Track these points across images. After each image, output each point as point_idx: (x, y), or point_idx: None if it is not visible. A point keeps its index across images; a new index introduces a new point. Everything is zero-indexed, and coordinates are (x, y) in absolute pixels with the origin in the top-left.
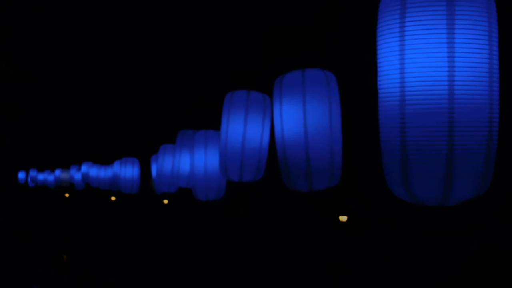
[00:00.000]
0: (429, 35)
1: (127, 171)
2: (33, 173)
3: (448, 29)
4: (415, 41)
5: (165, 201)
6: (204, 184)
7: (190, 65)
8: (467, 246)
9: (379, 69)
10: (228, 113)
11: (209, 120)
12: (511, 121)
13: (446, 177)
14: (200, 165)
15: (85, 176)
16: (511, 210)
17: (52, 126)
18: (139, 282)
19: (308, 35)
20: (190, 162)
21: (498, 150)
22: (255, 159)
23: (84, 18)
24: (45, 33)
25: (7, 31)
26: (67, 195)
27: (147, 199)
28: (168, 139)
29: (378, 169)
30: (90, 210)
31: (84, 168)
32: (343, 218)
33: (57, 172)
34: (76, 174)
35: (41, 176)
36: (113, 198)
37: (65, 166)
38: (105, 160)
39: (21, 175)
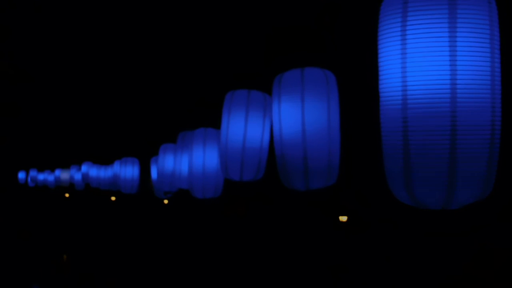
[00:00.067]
0: (431, 38)
1: (127, 171)
2: (33, 173)
3: (450, 32)
4: (417, 44)
5: (165, 201)
6: (202, 182)
7: (190, 65)
8: (467, 246)
9: (380, 72)
10: (229, 112)
11: (209, 120)
12: None
13: (449, 181)
14: (198, 162)
15: (85, 176)
16: (511, 210)
17: (52, 126)
18: (139, 282)
19: (308, 35)
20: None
21: (502, 149)
22: (256, 158)
23: (84, 18)
24: (45, 33)
25: (7, 31)
26: (67, 195)
27: (147, 199)
28: (168, 139)
29: (379, 169)
30: (90, 210)
31: (84, 168)
32: (343, 218)
33: (57, 172)
34: (76, 174)
35: (41, 176)
36: (113, 198)
37: (65, 166)
38: (105, 160)
39: (21, 175)
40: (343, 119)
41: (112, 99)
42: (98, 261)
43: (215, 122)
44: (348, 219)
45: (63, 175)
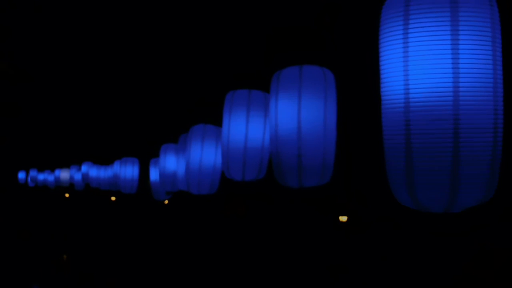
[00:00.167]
0: (433, 41)
1: (127, 171)
2: (33, 173)
3: (452, 35)
4: (419, 47)
5: (165, 201)
6: (198, 177)
7: (190, 65)
8: (467, 246)
9: (382, 75)
10: (230, 113)
11: (209, 120)
12: None
13: (452, 184)
14: (196, 158)
15: (85, 176)
16: (511, 210)
17: (52, 126)
18: (139, 282)
19: (308, 35)
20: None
21: (503, 152)
22: (257, 158)
23: (84, 18)
24: (45, 33)
25: (7, 31)
26: (67, 195)
27: (147, 199)
28: (168, 139)
29: (379, 169)
30: (90, 210)
31: (84, 168)
32: (343, 218)
33: (57, 172)
34: (76, 174)
35: (41, 176)
36: (113, 198)
37: (65, 166)
38: (105, 160)
39: (21, 175)
40: (343, 119)
41: (112, 99)
42: (98, 261)
43: (215, 122)
44: (348, 219)
45: (63, 174)
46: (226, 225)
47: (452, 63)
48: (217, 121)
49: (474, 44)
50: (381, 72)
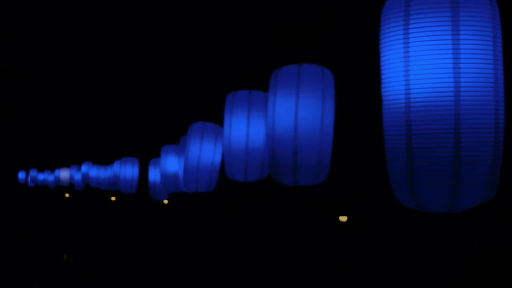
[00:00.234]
0: (434, 40)
1: (127, 171)
2: (33, 173)
3: (453, 35)
4: (419, 47)
5: (165, 201)
6: (196, 174)
7: (191, 65)
8: (467, 246)
9: (383, 75)
10: (230, 114)
11: (209, 119)
12: None
13: (453, 184)
14: (194, 155)
15: (85, 176)
16: (511, 210)
17: (52, 126)
18: (139, 282)
19: (308, 35)
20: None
21: (504, 152)
22: (259, 158)
23: (84, 18)
24: (45, 33)
25: (7, 31)
26: (67, 195)
27: (147, 199)
28: (168, 139)
29: (379, 169)
30: (90, 210)
31: (84, 168)
32: (343, 218)
33: (57, 172)
34: (76, 174)
35: (41, 176)
36: (113, 198)
37: (65, 166)
38: (105, 160)
39: (21, 175)
40: (343, 119)
41: (112, 99)
42: (98, 261)
43: (215, 122)
44: (348, 219)
45: (63, 174)
46: (226, 225)
47: (453, 63)
48: (217, 121)
49: (475, 44)
50: (382, 72)
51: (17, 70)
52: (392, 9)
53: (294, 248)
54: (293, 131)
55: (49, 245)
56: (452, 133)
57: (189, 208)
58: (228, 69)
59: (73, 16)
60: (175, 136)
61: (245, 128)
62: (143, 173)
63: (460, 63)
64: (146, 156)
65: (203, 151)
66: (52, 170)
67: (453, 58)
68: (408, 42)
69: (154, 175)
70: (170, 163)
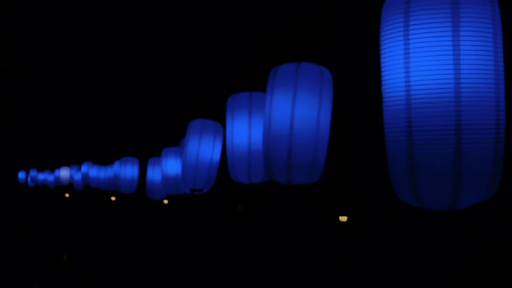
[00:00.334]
0: (434, 37)
1: (127, 171)
2: (33, 173)
3: (453, 32)
4: (420, 44)
5: (165, 201)
6: (194, 172)
7: (191, 65)
8: (467, 246)
9: (383, 73)
10: (232, 117)
11: (210, 118)
12: None
13: (455, 181)
14: (193, 152)
15: (85, 176)
16: (511, 210)
17: (52, 126)
18: (139, 282)
19: (308, 34)
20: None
21: (504, 153)
22: (262, 160)
23: (84, 18)
24: (45, 33)
25: (7, 31)
26: (67, 195)
27: (147, 199)
28: (168, 138)
29: (379, 169)
30: (90, 210)
31: (84, 168)
32: (343, 218)
33: (57, 172)
34: (76, 174)
35: (41, 176)
36: (113, 198)
37: (65, 165)
38: (105, 160)
39: (21, 175)
40: (343, 118)
41: (112, 99)
42: (98, 261)
43: (215, 121)
44: (348, 219)
45: (63, 172)
46: (226, 225)
47: (453, 59)
48: (217, 121)
49: (475, 40)
50: (382, 68)
51: (17, 70)
52: (392, 6)
53: (294, 248)
54: (289, 129)
55: (49, 245)
56: (453, 129)
57: (189, 208)
58: (228, 69)
59: (73, 16)
60: (175, 137)
61: (247, 130)
62: (143, 173)
63: (460, 59)
64: (146, 156)
65: (201, 148)
66: (52, 170)
67: (453, 54)
68: (409, 38)
69: (152, 173)
70: (171, 165)
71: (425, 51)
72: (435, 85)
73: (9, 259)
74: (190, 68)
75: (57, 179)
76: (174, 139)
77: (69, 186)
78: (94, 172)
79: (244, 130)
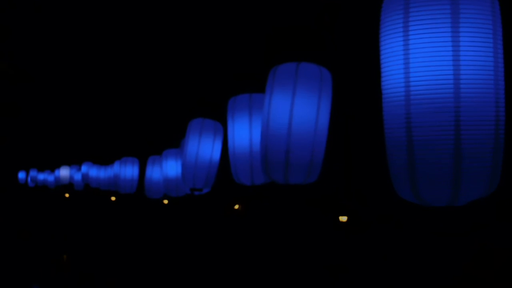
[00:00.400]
0: (434, 33)
1: (126, 171)
2: (33, 173)
3: (452, 28)
4: (419, 40)
5: (165, 201)
6: (193, 171)
7: (191, 65)
8: (467, 246)
9: (382, 69)
10: (233, 119)
11: (210, 117)
12: None
13: (454, 177)
14: (192, 152)
15: (85, 176)
16: (511, 210)
17: (52, 126)
18: (139, 282)
19: (308, 35)
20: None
21: (504, 149)
22: None
23: (84, 18)
24: (45, 33)
25: (7, 31)
26: (67, 195)
27: (145, 197)
28: (168, 138)
29: (379, 169)
30: (90, 210)
31: (84, 168)
32: (343, 218)
33: (57, 172)
34: (76, 174)
35: (41, 176)
36: (113, 198)
37: (65, 164)
38: (105, 160)
39: (21, 175)
40: (343, 118)
41: (112, 99)
42: (98, 261)
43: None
44: (348, 219)
45: (63, 171)
46: (226, 225)
47: (453, 56)
48: (218, 121)
49: (475, 37)
50: (382, 65)
51: (17, 70)
52: (393, 1)
53: (294, 248)
54: (287, 128)
55: (49, 245)
56: (452, 125)
57: (189, 208)
58: (228, 69)
59: (73, 16)
60: (175, 137)
61: (248, 132)
62: (143, 173)
63: (460, 55)
64: (146, 156)
65: (201, 148)
66: (52, 170)
67: (452, 51)
68: (408, 34)
69: (151, 172)
70: (171, 167)
71: (425, 47)
72: (434, 81)
73: (9, 259)
74: (190, 68)
75: (57, 179)
76: (174, 139)
77: (69, 186)
78: (94, 172)
79: (245, 132)
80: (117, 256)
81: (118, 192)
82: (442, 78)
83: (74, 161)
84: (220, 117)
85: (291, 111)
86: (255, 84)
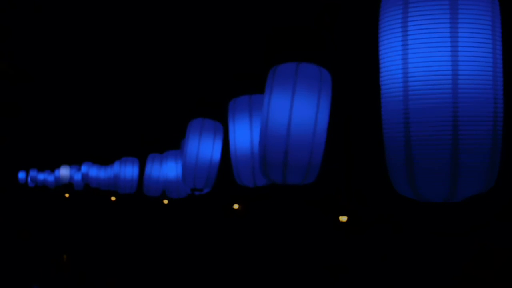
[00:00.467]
0: (432, 29)
1: (126, 171)
2: (33, 173)
3: (451, 23)
4: (418, 35)
5: (165, 201)
6: (194, 171)
7: (191, 65)
8: (467, 246)
9: (381, 65)
10: (233, 121)
11: (210, 118)
12: None
13: (452, 172)
14: (192, 152)
15: (85, 176)
16: (511, 210)
17: (52, 126)
18: (139, 282)
19: (308, 35)
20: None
21: (502, 147)
22: None
23: (84, 18)
24: (45, 33)
25: (7, 31)
26: (67, 195)
27: (147, 199)
28: (168, 139)
29: (379, 169)
30: (90, 210)
31: (84, 168)
32: (343, 218)
33: (57, 172)
34: (76, 174)
35: (41, 176)
36: (113, 198)
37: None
38: (105, 160)
39: (21, 175)
40: (343, 119)
41: (112, 99)
42: (98, 261)
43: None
44: (348, 219)
45: (63, 171)
46: (226, 225)
47: (451, 51)
48: (218, 121)
49: (474, 33)
50: (380, 61)
51: (17, 70)
52: None
53: (294, 248)
54: (286, 129)
55: (49, 245)
56: (450, 121)
57: (189, 208)
58: (228, 69)
59: (73, 16)
60: (175, 137)
61: (249, 134)
62: (143, 173)
63: (458, 51)
64: (146, 156)
65: (201, 148)
66: (52, 170)
67: (451, 46)
68: (407, 30)
69: (150, 169)
70: (170, 169)
71: (423, 43)
72: (432, 77)
73: (9, 259)
74: (190, 68)
75: (57, 179)
76: (174, 139)
77: (69, 186)
78: (94, 172)
79: (246, 134)
80: (117, 256)
81: (118, 192)
82: (440, 74)
83: (74, 161)
84: (220, 117)
85: (290, 111)
86: (255, 84)
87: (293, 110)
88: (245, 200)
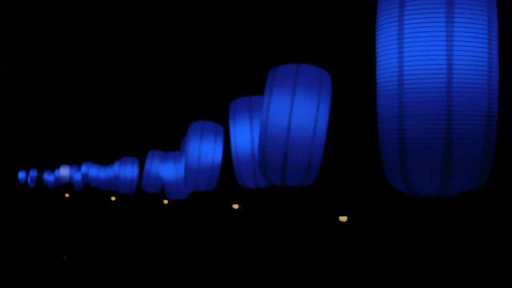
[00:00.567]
0: (428, 23)
1: (126, 171)
2: (33, 173)
3: (447, 18)
4: (413, 29)
5: (165, 201)
6: (195, 173)
7: (191, 65)
8: (467, 246)
9: (377, 58)
10: (234, 122)
11: (210, 120)
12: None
13: (445, 167)
14: (194, 154)
15: (85, 176)
16: (511, 209)
17: (52, 126)
18: (139, 282)
19: (308, 35)
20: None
21: (498, 147)
22: None
23: (84, 18)
24: (45, 33)
25: (7, 31)
26: (67, 195)
27: (147, 199)
28: (168, 138)
29: (379, 169)
30: (90, 210)
31: (84, 168)
32: (343, 218)
33: (57, 172)
34: (76, 174)
35: (41, 176)
36: (113, 198)
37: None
38: (105, 160)
39: (21, 175)
40: (343, 120)
41: (112, 99)
42: (98, 261)
43: (216, 122)
44: (348, 219)
45: (63, 170)
46: (226, 225)
47: (446, 46)
48: (218, 121)
49: (469, 27)
50: (377, 55)
51: (17, 70)
52: None
53: (294, 248)
54: (286, 130)
55: (49, 245)
56: (443, 115)
57: (189, 208)
58: (228, 69)
59: (73, 16)
60: (175, 138)
61: (249, 135)
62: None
63: (453, 45)
64: (146, 156)
65: (202, 150)
66: (52, 170)
67: (446, 41)
68: (403, 24)
69: (149, 166)
70: (170, 170)
71: (419, 37)
72: (427, 71)
73: (9, 259)
74: (190, 68)
75: (57, 179)
76: (175, 139)
77: (69, 186)
78: (94, 172)
79: (247, 135)
80: (117, 256)
81: (118, 192)
82: (435, 68)
83: (74, 161)
84: (220, 118)
85: (290, 113)
86: (255, 85)
87: (293, 112)
88: (246, 201)
